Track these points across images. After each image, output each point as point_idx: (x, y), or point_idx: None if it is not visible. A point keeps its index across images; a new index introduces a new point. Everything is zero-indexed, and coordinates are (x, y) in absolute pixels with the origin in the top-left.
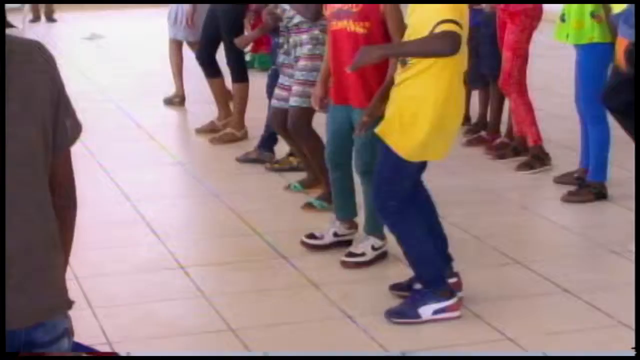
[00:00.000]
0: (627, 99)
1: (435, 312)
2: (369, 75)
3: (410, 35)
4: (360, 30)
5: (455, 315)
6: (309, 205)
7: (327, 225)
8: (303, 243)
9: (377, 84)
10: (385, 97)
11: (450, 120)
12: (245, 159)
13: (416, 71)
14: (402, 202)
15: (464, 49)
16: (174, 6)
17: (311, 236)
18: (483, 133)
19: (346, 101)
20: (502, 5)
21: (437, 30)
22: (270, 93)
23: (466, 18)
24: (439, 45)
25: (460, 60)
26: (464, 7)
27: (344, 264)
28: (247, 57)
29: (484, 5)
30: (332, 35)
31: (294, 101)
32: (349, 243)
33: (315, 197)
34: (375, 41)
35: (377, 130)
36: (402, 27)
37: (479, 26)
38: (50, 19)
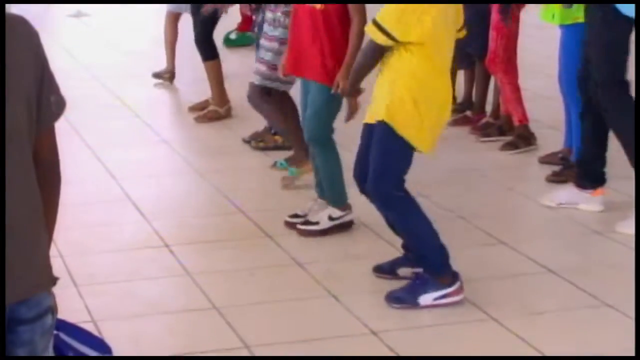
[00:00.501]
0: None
1: (436, 299)
2: (326, 49)
3: None
4: (317, 6)
5: (457, 300)
6: (274, 165)
7: (313, 206)
8: (300, 231)
9: (333, 59)
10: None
11: (432, 108)
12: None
13: (405, 54)
14: (405, 191)
15: (439, 34)
16: None
17: (307, 222)
18: (468, 113)
19: (301, 72)
20: None
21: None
22: None
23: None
24: (361, 55)
25: (441, 36)
26: (414, 11)
27: (299, 231)
28: (233, 36)
29: None
30: (293, 9)
31: (254, 79)
32: (346, 225)
33: (284, 159)
34: (331, 18)
35: (383, 117)
36: (361, 7)
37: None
38: None
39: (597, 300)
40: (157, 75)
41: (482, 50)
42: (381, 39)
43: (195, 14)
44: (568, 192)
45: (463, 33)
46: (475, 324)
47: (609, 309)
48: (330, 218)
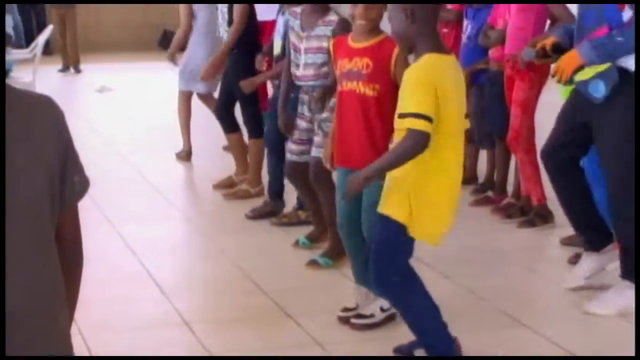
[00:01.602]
0: (567, 156)
1: None
2: (377, 135)
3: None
4: (370, 92)
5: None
6: (313, 263)
7: (361, 299)
8: (354, 326)
9: (384, 144)
10: None
11: (437, 194)
12: (257, 215)
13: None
14: (405, 275)
15: (453, 116)
16: (185, 58)
17: (360, 316)
18: (490, 193)
19: (351, 163)
20: (510, 62)
21: (404, 124)
22: (269, 142)
23: (451, 82)
24: (406, 151)
25: (450, 129)
26: (435, 81)
27: (353, 326)
28: None
29: (491, 63)
30: (340, 96)
31: (316, 152)
32: (392, 317)
33: (320, 255)
34: (384, 104)
35: (388, 213)
36: None
37: (484, 85)
38: (76, 69)
39: None
40: (178, 156)
41: (502, 129)
42: (427, 127)
43: (227, 91)
44: (588, 263)
45: (468, 124)
46: None
47: None
48: (382, 310)
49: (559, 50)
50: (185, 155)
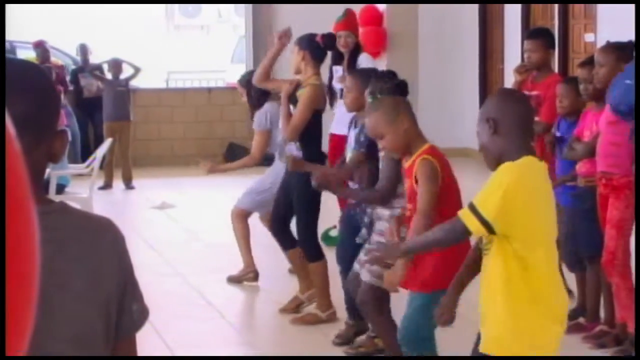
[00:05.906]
0: None
1: None
2: (417, 258)
3: None
4: (408, 213)
5: None
6: None
7: None
8: None
9: (431, 265)
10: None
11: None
12: (345, 340)
13: (491, 258)
14: None
15: (539, 224)
16: (269, 178)
17: None
18: (581, 320)
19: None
20: (604, 180)
21: (463, 210)
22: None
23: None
24: (440, 239)
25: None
26: (520, 189)
27: None
28: (334, 233)
29: (578, 180)
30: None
31: (367, 277)
32: None
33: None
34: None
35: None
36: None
37: (572, 204)
38: (128, 185)
39: None
40: (235, 280)
41: (593, 251)
42: (475, 227)
43: (286, 203)
44: None
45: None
46: None
47: None
48: None
49: None
50: (253, 275)
